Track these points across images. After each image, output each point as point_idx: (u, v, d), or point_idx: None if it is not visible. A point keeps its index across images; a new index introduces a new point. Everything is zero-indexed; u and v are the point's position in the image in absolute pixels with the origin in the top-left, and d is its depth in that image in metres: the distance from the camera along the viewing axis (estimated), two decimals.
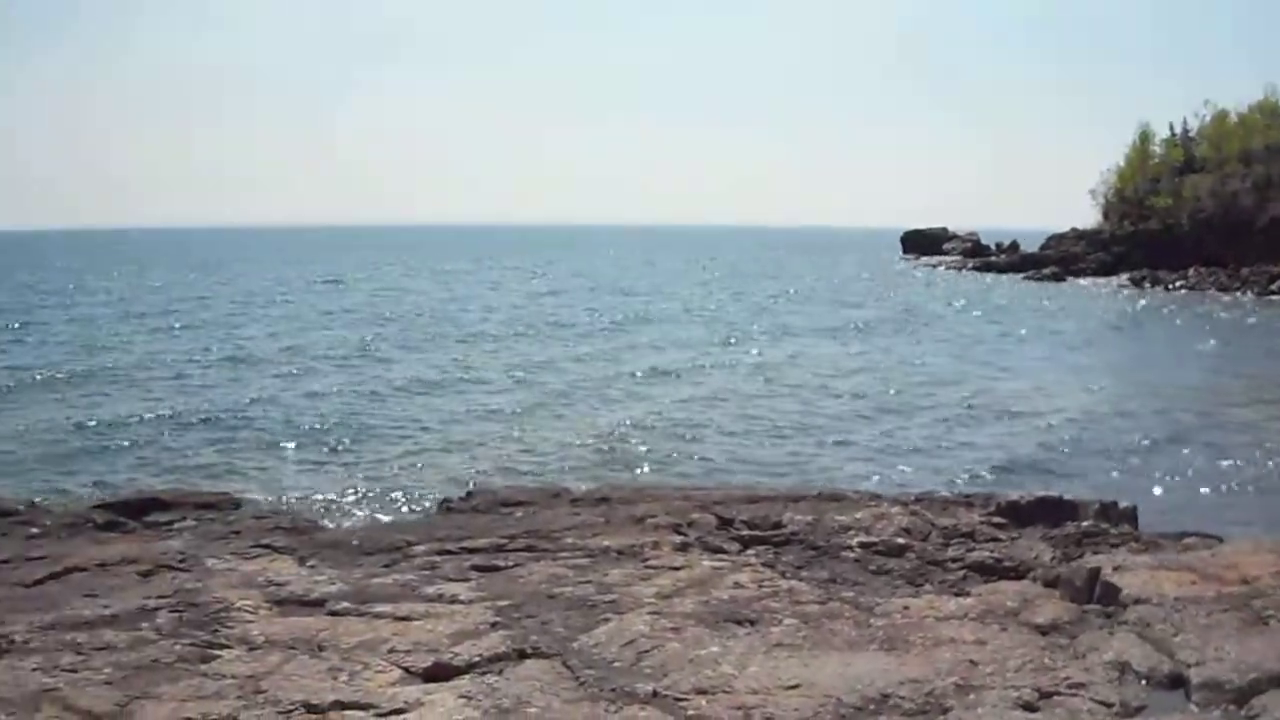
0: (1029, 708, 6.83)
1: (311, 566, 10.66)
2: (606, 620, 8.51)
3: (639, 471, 20.98)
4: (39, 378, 32.92)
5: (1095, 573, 9.27)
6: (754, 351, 40.91)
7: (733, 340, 45.10)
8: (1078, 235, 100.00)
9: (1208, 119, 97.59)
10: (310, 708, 7.00)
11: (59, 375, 33.27)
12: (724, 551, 10.72)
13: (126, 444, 23.22)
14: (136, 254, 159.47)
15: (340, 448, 23.23)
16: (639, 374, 34.59)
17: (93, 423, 25.49)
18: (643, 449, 23.09)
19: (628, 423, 26.06)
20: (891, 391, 31.39)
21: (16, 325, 48.50)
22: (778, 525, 11.48)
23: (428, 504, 16.80)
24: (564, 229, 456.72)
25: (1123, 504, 13.17)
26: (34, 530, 12.61)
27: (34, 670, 7.72)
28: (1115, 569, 9.31)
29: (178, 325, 49.34)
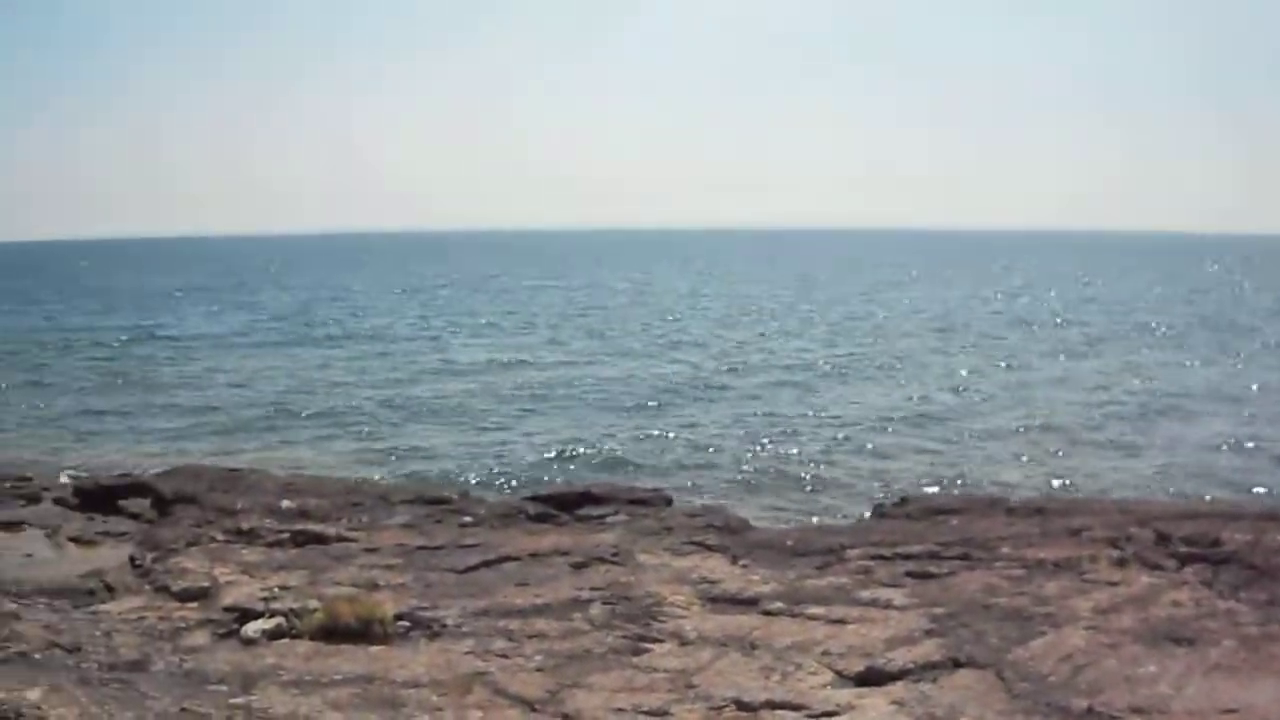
0: None
1: (744, 566, 10.72)
2: (1042, 633, 8.23)
3: (1076, 482, 20.37)
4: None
5: None
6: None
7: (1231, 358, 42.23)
8: None
9: None
10: (742, 705, 6.97)
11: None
12: (1161, 568, 10.21)
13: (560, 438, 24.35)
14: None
15: (773, 448, 23.57)
16: (1122, 390, 33.25)
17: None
18: (1088, 461, 22.36)
19: (1080, 436, 25.25)
20: None
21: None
22: (1216, 543, 10.86)
23: (860, 508, 16.77)
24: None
25: None
26: (467, 519, 13.25)
27: (466, 654, 8.06)
28: None
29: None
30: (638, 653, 8.07)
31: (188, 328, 53.60)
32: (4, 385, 34.23)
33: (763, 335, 49.96)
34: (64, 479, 17.72)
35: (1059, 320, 57.03)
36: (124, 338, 48.93)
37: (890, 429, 26.31)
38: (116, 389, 33.76)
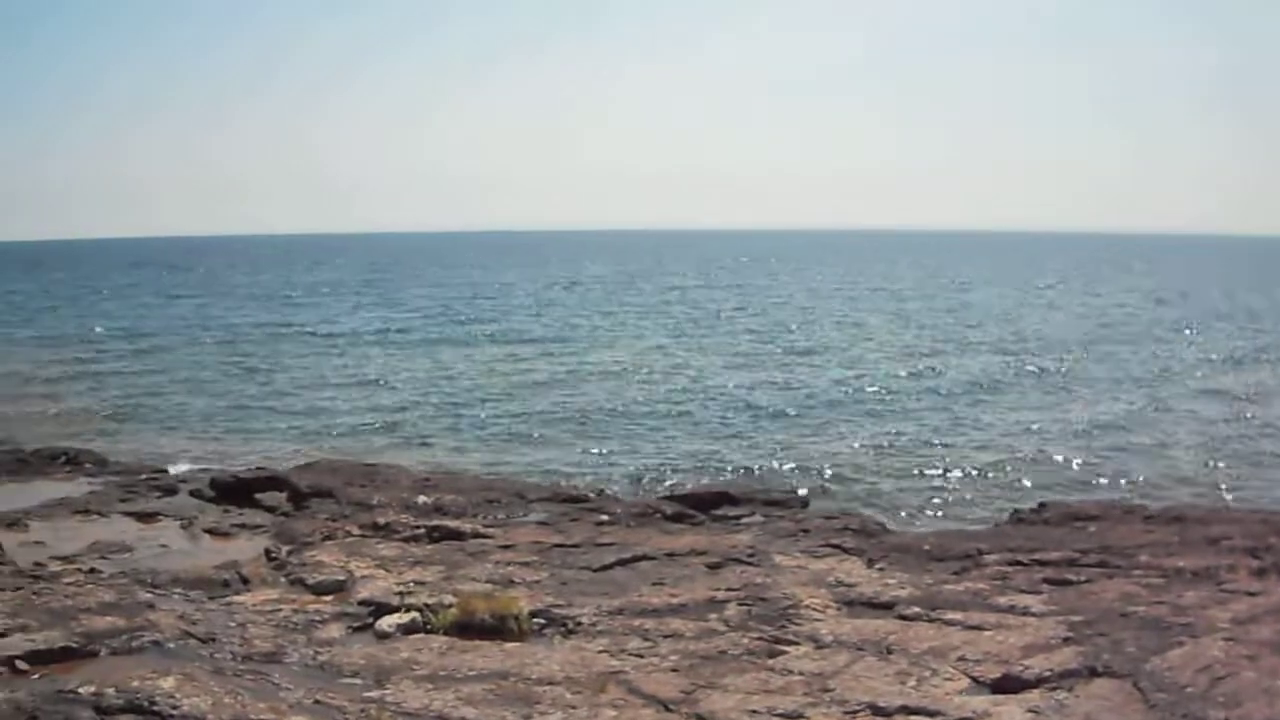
0: None
1: (881, 569, 10.72)
2: (1180, 643, 8.11)
3: (1218, 492, 20.02)
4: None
5: None
6: None
7: None
8: None
9: None
10: (877, 710, 6.98)
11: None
12: None
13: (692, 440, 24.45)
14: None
15: (904, 450, 23.47)
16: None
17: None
18: (1232, 471, 21.91)
19: (1224, 446, 24.74)
20: None
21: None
22: None
23: (997, 513, 16.63)
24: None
25: None
26: (603, 517, 13.40)
27: (600, 653, 8.17)
28: None
29: None
30: (773, 654, 8.13)
31: (332, 325, 54.46)
32: (150, 380, 35.23)
33: (909, 342, 49.22)
34: (172, 470, 18.13)
35: (1212, 326, 55.61)
36: (268, 333, 50.09)
37: (1030, 435, 25.92)
38: (257, 384, 34.62)
